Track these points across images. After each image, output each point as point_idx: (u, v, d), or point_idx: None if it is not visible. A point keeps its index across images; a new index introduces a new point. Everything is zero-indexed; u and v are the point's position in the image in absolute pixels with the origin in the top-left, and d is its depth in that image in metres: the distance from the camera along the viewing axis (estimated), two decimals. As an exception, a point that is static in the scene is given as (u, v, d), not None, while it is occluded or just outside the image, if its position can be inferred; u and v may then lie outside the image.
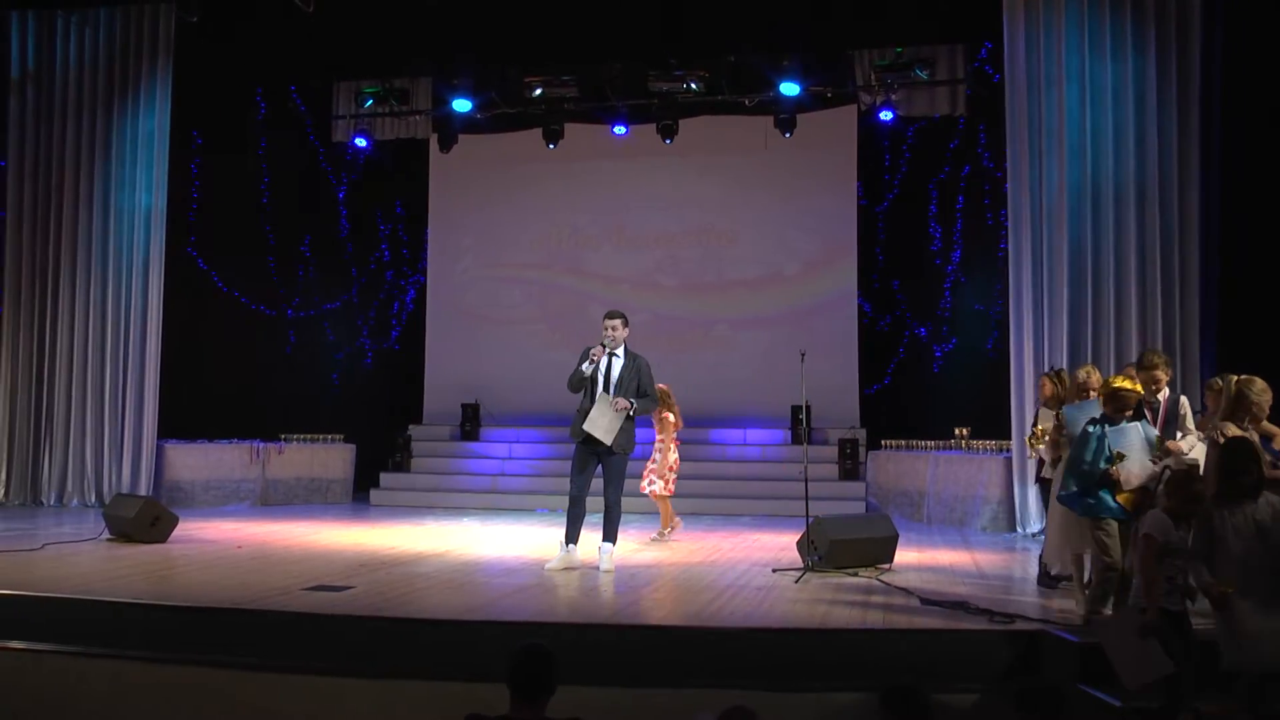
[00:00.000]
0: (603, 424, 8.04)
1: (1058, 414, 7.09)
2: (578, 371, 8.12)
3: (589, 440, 8.07)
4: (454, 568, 8.47)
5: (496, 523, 11.98)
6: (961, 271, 14.59)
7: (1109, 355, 10.57)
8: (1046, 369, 9.42)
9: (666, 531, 10.25)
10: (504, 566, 8.65)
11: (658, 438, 10.25)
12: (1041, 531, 10.60)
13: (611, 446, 8.05)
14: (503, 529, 11.14)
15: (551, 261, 16.43)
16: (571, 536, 8.22)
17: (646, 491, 10.18)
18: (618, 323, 8.24)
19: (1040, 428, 7.48)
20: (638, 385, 8.22)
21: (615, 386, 8.14)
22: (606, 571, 8.07)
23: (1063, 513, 6.53)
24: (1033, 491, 10.76)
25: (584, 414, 8.11)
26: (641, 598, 7.17)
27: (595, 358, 8.06)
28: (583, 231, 16.37)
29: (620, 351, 8.28)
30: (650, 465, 10.22)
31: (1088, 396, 6.74)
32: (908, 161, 14.95)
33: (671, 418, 10.25)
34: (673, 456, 10.22)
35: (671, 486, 10.20)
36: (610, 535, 8.23)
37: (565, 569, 8.13)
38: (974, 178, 14.30)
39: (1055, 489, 6.67)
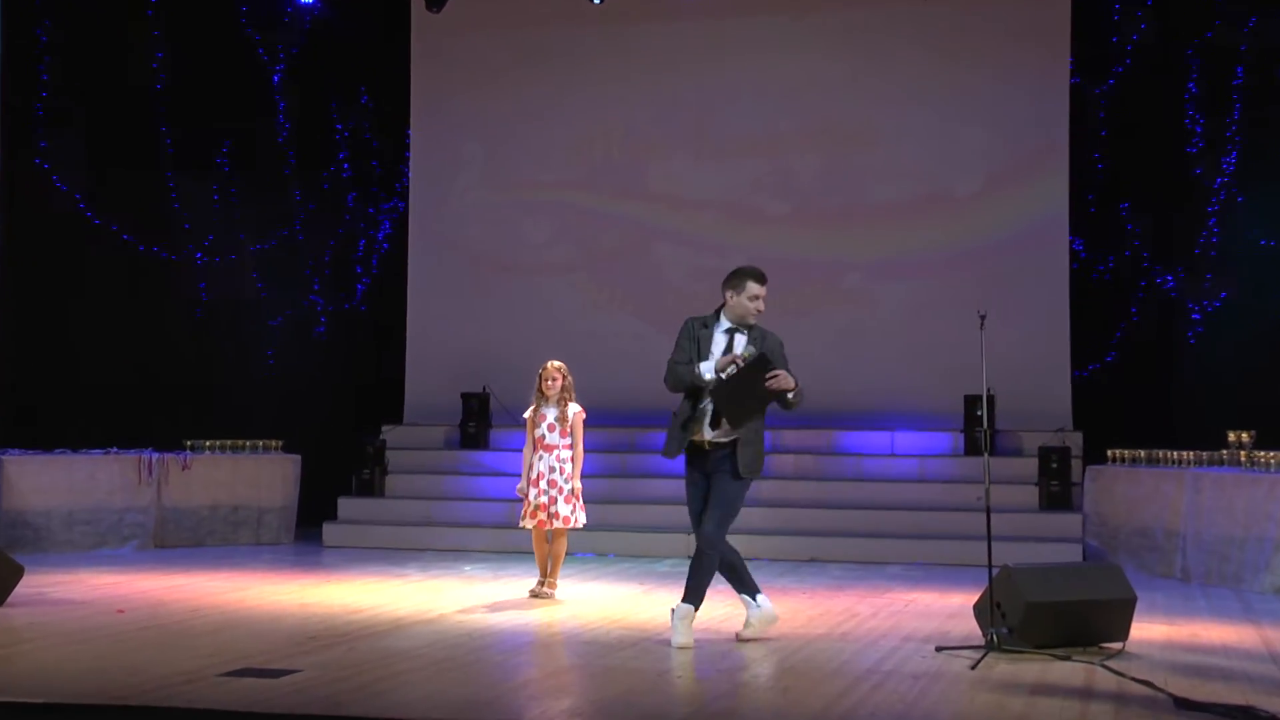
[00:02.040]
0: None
1: None
2: (692, 373, 8.29)
3: (699, 458, 8.34)
4: (451, 641, 8.59)
5: (515, 571, 12.06)
6: (1238, 187, 14.47)
7: None
8: None
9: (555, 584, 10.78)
10: (528, 637, 8.89)
11: (567, 443, 10.76)
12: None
13: (738, 468, 8.24)
14: (525, 582, 11.12)
15: (597, 179, 16.40)
16: (743, 587, 8.62)
17: (568, 525, 10.67)
18: (762, 290, 8.41)
19: None
20: None
21: None
22: (682, 648, 8.23)
23: None
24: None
25: (683, 421, 8.35)
26: (736, 687, 7.24)
27: (734, 364, 8.18)
28: (643, 133, 16.34)
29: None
30: (560, 484, 10.64)
31: None
32: (1151, 14, 14.84)
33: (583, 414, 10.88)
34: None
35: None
36: (694, 593, 8.38)
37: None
38: (1263, 40, 14.17)
39: None
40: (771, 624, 8.59)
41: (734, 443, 8.19)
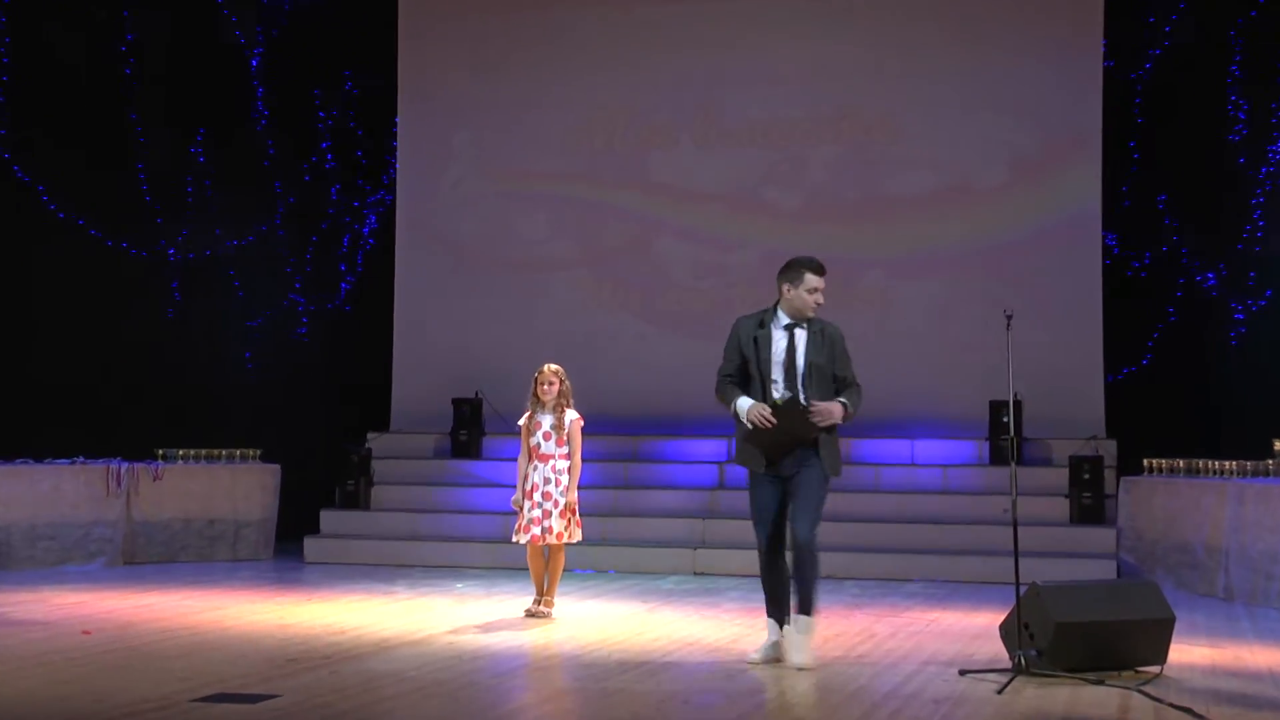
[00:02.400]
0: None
1: None
2: (734, 404, 8.38)
3: (774, 464, 8.37)
4: (441, 663, 8.60)
5: (510, 589, 12.05)
6: (1286, 179, 14.61)
7: None
8: None
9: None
10: (523, 660, 8.94)
11: (564, 452, 10.70)
12: None
13: (825, 467, 8.39)
14: (520, 601, 11.11)
15: (596, 169, 16.42)
16: (776, 609, 8.60)
17: (564, 541, 10.63)
18: (821, 282, 8.42)
19: None
20: (833, 371, 8.53)
21: (804, 374, 8.43)
22: (802, 668, 8.28)
23: None
24: None
25: (750, 421, 8.40)
26: (747, 713, 7.26)
27: (758, 421, 8.21)
28: (647, 119, 16.37)
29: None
30: (556, 497, 10.60)
31: None
32: (1190, -8, 14.76)
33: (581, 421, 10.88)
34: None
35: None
36: (810, 602, 8.44)
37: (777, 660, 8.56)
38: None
39: None
40: (786, 660, 8.50)
41: (815, 441, 8.26)
